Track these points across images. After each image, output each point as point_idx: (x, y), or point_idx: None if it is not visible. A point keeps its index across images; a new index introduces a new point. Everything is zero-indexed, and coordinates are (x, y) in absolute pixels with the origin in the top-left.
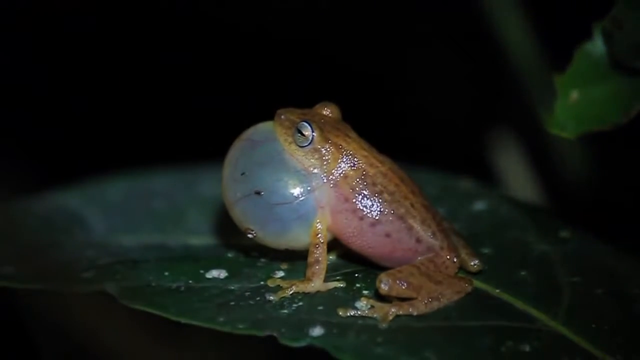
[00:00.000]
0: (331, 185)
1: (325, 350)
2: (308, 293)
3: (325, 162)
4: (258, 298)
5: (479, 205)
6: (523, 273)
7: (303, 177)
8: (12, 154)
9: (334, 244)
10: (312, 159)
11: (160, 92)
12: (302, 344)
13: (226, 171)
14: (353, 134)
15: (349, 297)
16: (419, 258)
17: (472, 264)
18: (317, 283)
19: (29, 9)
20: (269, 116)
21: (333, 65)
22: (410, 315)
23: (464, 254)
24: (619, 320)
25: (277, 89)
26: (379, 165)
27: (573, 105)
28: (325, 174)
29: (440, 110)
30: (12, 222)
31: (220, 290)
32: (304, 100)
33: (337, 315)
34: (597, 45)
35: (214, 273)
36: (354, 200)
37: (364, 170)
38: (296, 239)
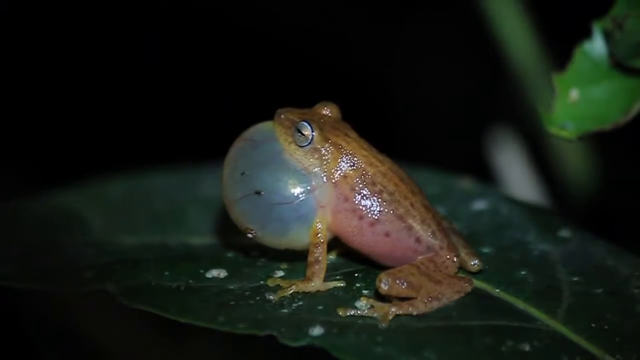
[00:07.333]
0: (331, 184)
1: (325, 350)
2: (308, 293)
3: (325, 162)
4: (258, 298)
5: (479, 205)
6: (523, 273)
7: (303, 176)
8: (12, 154)
9: (334, 244)
10: (312, 158)
11: (161, 93)
12: (302, 343)
13: (226, 171)
14: (353, 134)
15: (349, 297)
16: (419, 257)
17: (472, 263)
18: (317, 283)
19: (33, 6)
20: (269, 116)
21: (333, 65)
22: (410, 315)
23: (464, 253)
24: (619, 320)
25: (277, 89)
26: (379, 164)
27: (573, 105)
28: (325, 174)
29: (439, 109)
30: (12, 222)
31: (220, 290)
32: (303, 100)
33: (337, 314)
34: (597, 45)
35: (214, 273)
36: (353, 200)
37: (364, 170)
38: (296, 238)
